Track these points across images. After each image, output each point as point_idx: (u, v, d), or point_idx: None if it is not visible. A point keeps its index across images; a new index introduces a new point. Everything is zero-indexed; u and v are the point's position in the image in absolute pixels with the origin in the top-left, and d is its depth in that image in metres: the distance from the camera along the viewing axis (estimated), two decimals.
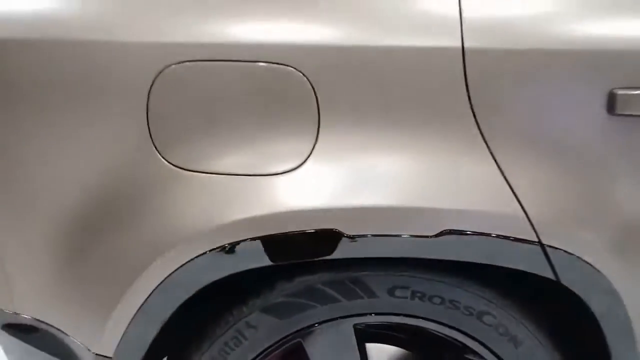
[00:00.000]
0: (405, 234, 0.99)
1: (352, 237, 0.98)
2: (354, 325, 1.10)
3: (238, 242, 0.98)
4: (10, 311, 1.16)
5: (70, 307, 1.09)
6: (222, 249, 0.99)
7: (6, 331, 1.18)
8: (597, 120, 0.99)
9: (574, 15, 0.97)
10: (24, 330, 1.16)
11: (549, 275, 1.03)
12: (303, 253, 1.00)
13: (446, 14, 0.97)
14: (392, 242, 0.99)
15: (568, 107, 0.99)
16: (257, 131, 0.98)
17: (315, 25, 0.97)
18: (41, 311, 1.12)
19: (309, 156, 0.98)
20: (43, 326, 1.13)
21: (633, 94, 0.97)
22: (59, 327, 1.12)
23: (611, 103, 0.97)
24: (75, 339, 1.11)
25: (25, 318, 1.15)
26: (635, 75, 0.97)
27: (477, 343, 1.11)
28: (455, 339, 1.12)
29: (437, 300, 1.07)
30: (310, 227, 0.97)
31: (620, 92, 0.96)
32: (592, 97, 0.98)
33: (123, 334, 1.06)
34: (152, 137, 0.99)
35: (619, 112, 0.97)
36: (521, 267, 1.03)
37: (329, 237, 0.98)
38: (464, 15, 0.97)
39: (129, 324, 1.05)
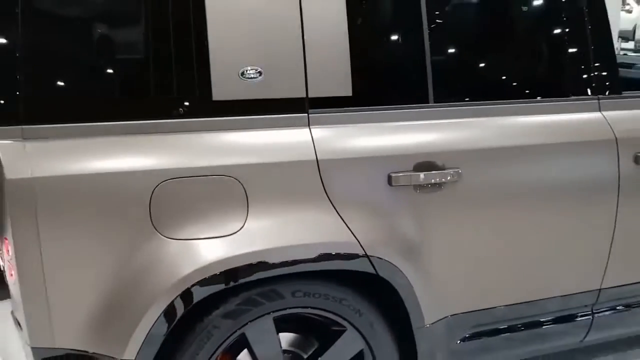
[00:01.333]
0: (295, 259, 1.86)
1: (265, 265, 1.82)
2: (273, 318, 1.93)
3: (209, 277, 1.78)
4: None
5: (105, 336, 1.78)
6: (201, 282, 1.78)
7: None
8: (384, 188, 1.97)
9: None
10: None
11: (373, 271, 1.96)
12: (237, 279, 1.82)
13: (304, 140, 1.90)
14: (287, 265, 1.86)
15: (369, 183, 1.96)
16: (214, 215, 1.81)
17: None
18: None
19: (241, 227, 1.83)
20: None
21: (400, 175, 1.96)
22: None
23: (390, 180, 1.96)
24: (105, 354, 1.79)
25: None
26: (401, 166, 1.96)
27: (339, 317, 1.99)
28: (327, 317, 1.99)
29: (317, 295, 1.95)
30: (236, 264, 1.80)
31: (393, 174, 1.96)
32: (382, 177, 1.95)
33: (140, 348, 1.78)
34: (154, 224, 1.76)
35: (396, 184, 1.96)
36: (360, 269, 1.94)
37: (254, 267, 1.82)
38: (314, 139, 1.90)
39: (142, 342, 1.77)
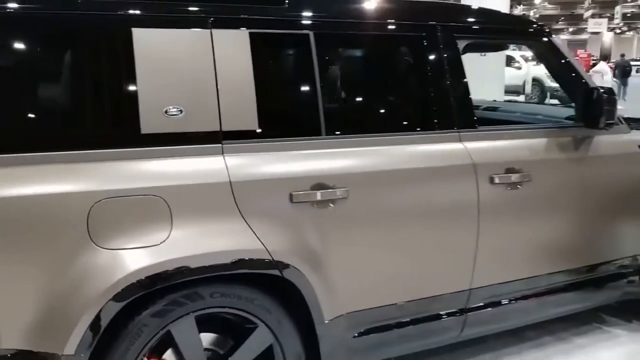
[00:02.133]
0: (212, 264, 2.23)
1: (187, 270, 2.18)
2: (195, 317, 2.27)
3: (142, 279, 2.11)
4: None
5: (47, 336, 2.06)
6: (139, 283, 2.10)
7: None
8: (287, 205, 2.38)
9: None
10: None
11: (279, 274, 2.34)
12: (163, 282, 2.16)
13: (219, 166, 2.29)
14: (205, 269, 2.21)
15: (274, 200, 2.37)
16: (142, 228, 2.15)
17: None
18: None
19: (166, 238, 2.18)
20: None
21: (299, 194, 2.38)
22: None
23: (291, 198, 2.37)
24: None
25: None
26: (300, 187, 2.39)
27: (251, 315, 2.36)
28: (241, 316, 2.35)
29: (232, 296, 2.31)
30: (162, 269, 2.14)
31: (294, 192, 2.38)
32: (284, 195, 2.37)
33: (78, 343, 2.07)
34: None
35: (296, 201, 2.38)
36: (268, 272, 2.33)
37: (177, 272, 2.16)
38: (227, 165, 2.30)
39: (81, 339, 2.07)
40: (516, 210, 2.94)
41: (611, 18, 49.76)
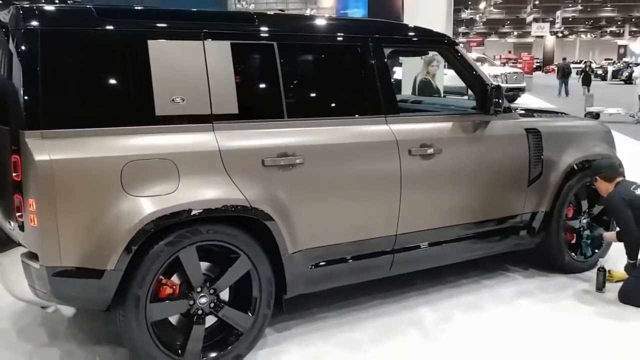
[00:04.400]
0: (208, 208, 3.14)
1: (190, 212, 3.08)
2: (196, 247, 3.17)
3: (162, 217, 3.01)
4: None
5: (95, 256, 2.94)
6: (155, 221, 2.99)
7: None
8: (260, 168, 3.31)
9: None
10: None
11: (255, 217, 3.27)
12: (174, 220, 3.06)
13: (211, 138, 3.20)
14: (203, 212, 3.12)
15: (250, 164, 3.29)
16: (159, 182, 3.05)
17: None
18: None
19: (175, 189, 3.08)
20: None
21: (268, 159, 3.31)
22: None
23: (263, 163, 3.30)
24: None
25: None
26: (270, 154, 3.32)
27: (235, 247, 3.27)
28: (228, 248, 3.26)
29: (221, 233, 3.22)
30: (174, 211, 3.04)
31: (265, 158, 3.31)
32: (258, 160, 3.29)
33: (117, 262, 2.95)
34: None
35: (267, 165, 3.31)
36: (247, 215, 3.25)
37: (184, 212, 3.06)
38: (217, 137, 3.21)
39: (119, 257, 2.95)
40: (429, 175, 3.94)
41: (553, 22, 52.21)
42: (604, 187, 4.46)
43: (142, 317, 3.07)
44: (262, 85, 3.60)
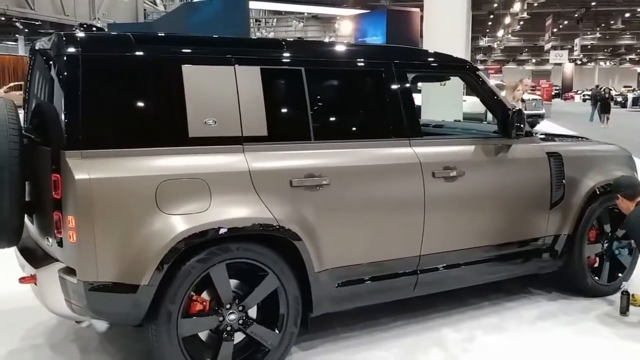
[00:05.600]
0: (238, 226, 3.24)
1: (221, 230, 3.19)
2: (226, 264, 3.27)
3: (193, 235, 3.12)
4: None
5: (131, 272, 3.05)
6: (190, 237, 3.10)
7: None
8: (288, 188, 3.43)
9: None
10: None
11: (283, 236, 3.37)
12: (206, 237, 3.16)
13: (241, 159, 3.32)
14: (234, 230, 3.23)
15: (279, 185, 3.40)
16: (192, 201, 3.17)
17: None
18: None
19: (207, 208, 3.19)
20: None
21: (296, 180, 3.42)
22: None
23: (291, 184, 3.41)
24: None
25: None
26: (297, 175, 3.42)
27: (263, 265, 3.37)
28: (256, 266, 3.36)
29: (251, 250, 3.32)
30: (206, 229, 3.15)
31: (293, 179, 3.42)
32: (286, 181, 3.40)
33: (150, 278, 3.05)
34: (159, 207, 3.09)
35: (294, 186, 3.42)
36: (275, 234, 3.35)
37: (215, 230, 3.17)
38: (247, 159, 3.33)
39: (153, 273, 3.05)
40: (452, 197, 4.02)
41: (572, 50, 52.27)
42: (626, 206, 4.48)
43: (173, 332, 3.16)
44: (290, 109, 3.73)
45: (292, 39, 3.84)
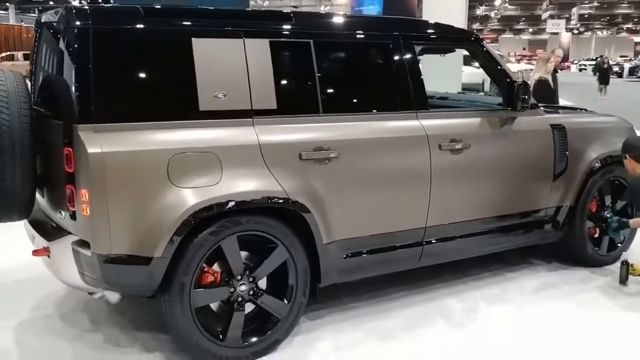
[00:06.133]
0: (249, 199, 3.28)
1: (232, 202, 3.22)
2: (237, 236, 3.31)
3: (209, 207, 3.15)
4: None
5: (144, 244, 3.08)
6: (206, 209, 3.14)
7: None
8: (297, 161, 3.44)
9: None
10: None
11: (292, 208, 3.40)
12: (218, 209, 3.20)
13: (251, 133, 3.34)
14: (245, 203, 3.26)
15: (288, 158, 3.43)
16: (203, 174, 3.19)
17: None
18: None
19: (219, 181, 3.22)
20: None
21: (305, 153, 3.44)
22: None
23: (300, 157, 3.43)
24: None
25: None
26: (306, 148, 3.45)
27: (273, 237, 3.41)
28: (266, 238, 3.40)
29: (261, 223, 3.36)
30: (218, 202, 3.18)
31: (302, 152, 3.44)
32: (295, 154, 3.43)
33: (164, 250, 3.09)
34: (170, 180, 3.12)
35: (304, 159, 3.44)
36: (284, 207, 3.38)
37: (227, 203, 3.20)
38: (257, 132, 3.35)
39: (166, 245, 3.09)
40: (458, 170, 4.05)
41: (569, 19, 51.93)
42: (632, 167, 4.44)
43: (186, 303, 3.22)
44: (299, 82, 3.74)
45: (300, 12, 3.81)
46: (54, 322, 3.95)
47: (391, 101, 3.93)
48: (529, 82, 6.55)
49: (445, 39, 4.40)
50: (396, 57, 3.91)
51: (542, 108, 4.67)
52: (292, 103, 3.60)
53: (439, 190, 3.97)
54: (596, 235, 4.94)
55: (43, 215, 3.65)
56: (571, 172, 4.62)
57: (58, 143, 3.15)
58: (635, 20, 69.46)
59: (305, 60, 3.63)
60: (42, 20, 3.75)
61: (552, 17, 52.71)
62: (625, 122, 5.27)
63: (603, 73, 25.82)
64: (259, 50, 3.45)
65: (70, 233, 3.24)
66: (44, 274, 3.63)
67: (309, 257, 3.57)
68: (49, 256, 3.32)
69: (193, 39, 3.28)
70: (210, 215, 3.20)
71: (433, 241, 4.08)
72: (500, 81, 4.41)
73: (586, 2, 56.01)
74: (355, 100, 3.93)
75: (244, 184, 3.30)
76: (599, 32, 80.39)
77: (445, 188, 4.02)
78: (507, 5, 56.56)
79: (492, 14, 60.01)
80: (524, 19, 70.52)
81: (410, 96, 3.93)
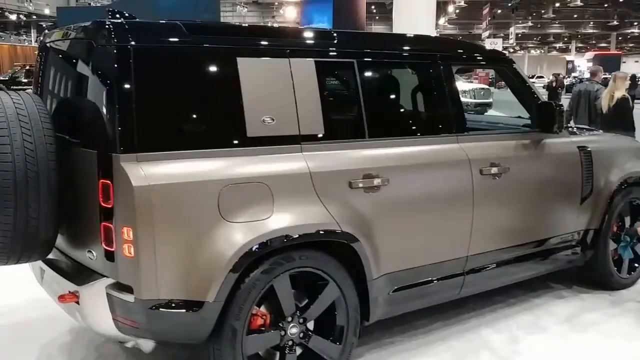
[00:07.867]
0: (302, 233, 2.99)
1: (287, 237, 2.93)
2: (290, 275, 3.01)
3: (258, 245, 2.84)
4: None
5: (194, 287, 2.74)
6: (261, 245, 2.82)
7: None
8: (347, 190, 3.17)
9: None
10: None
11: (345, 241, 3.13)
12: (273, 245, 2.89)
13: (300, 161, 3.06)
14: (298, 237, 2.97)
15: (338, 186, 3.16)
16: (255, 207, 2.88)
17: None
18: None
19: (271, 214, 2.92)
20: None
21: (355, 181, 3.18)
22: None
23: (350, 185, 3.17)
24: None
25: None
26: (356, 176, 3.19)
27: (325, 273, 3.12)
28: (317, 274, 3.11)
29: (314, 258, 3.07)
30: (271, 237, 2.88)
31: (352, 180, 3.18)
32: (345, 182, 3.16)
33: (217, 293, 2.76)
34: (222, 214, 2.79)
35: (354, 187, 3.18)
36: (337, 240, 3.11)
37: (281, 238, 2.90)
38: (306, 159, 3.07)
39: (219, 288, 2.76)
40: (498, 194, 3.88)
41: (505, 38, 53.56)
42: None
43: (239, 350, 2.89)
44: (345, 105, 3.49)
45: (341, 30, 3.56)
46: None
47: (433, 124, 3.73)
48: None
49: (480, 59, 4.24)
50: (437, 78, 3.72)
51: (567, 129, 4.57)
52: (339, 127, 3.35)
53: (480, 216, 3.78)
54: (616, 258, 4.86)
55: (57, 253, 3.25)
56: (596, 195, 4.53)
57: (88, 174, 2.79)
58: (566, 39, 72.40)
59: (350, 82, 3.40)
60: (51, 39, 3.38)
61: (489, 36, 54.29)
62: (636, 142, 5.24)
63: (552, 91, 26.36)
64: (304, 70, 3.18)
65: (102, 275, 2.86)
66: (45, 314, 3.20)
67: (358, 293, 3.30)
68: (77, 302, 2.92)
69: (238, 58, 2.99)
70: (264, 253, 2.90)
71: (474, 270, 3.88)
72: (531, 103, 4.27)
73: (520, 21, 57.95)
74: (399, 124, 3.71)
75: (297, 217, 3.01)
76: (533, 51, 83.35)
77: (486, 214, 3.83)
78: (446, 24, 57.87)
79: (436, 33, 61.27)
80: (461, 38, 72.41)
81: (450, 118, 3.74)
